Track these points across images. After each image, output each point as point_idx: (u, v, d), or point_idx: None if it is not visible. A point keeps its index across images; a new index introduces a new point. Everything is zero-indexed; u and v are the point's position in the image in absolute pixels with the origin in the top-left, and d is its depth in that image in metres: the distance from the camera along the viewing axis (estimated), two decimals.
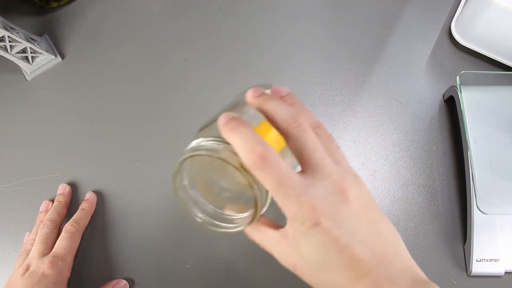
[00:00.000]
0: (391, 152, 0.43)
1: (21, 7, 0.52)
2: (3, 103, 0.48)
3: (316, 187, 0.20)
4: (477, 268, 0.36)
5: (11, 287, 0.34)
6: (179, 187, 0.24)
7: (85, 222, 0.40)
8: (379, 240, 0.21)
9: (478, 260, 0.37)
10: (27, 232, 0.41)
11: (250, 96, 0.23)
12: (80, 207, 0.41)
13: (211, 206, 0.25)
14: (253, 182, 0.21)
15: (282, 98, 0.24)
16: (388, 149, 0.43)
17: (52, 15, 0.52)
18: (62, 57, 0.49)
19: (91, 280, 0.39)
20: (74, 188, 0.43)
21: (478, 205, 0.34)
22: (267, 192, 0.22)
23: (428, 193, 0.41)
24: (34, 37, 0.48)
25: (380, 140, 0.43)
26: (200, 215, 0.25)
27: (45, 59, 0.48)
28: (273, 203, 0.22)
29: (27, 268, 0.35)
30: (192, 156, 0.21)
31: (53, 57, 0.48)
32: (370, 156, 0.43)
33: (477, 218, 0.37)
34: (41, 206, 0.42)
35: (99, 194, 0.42)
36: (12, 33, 0.43)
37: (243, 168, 0.21)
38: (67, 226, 0.38)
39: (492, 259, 0.36)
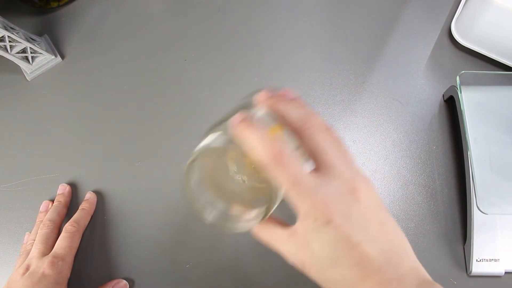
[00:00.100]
0: (391, 152, 0.43)
1: (21, 7, 0.52)
2: (3, 103, 0.48)
3: (329, 186, 0.21)
4: (477, 268, 0.36)
5: (11, 287, 0.34)
6: (189, 186, 0.24)
7: (85, 222, 0.40)
8: (387, 239, 0.21)
9: (478, 260, 0.37)
10: (27, 232, 0.41)
11: (263, 97, 0.24)
12: (80, 207, 0.41)
13: (220, 205, 0.25)
14: (266, 180, 0.21)
15: (291, 100, 0.24)
16: (388, 149, 0.43)
17: (52, 15, 0.52)
18: (62, 57, 0.49)
19: (91, 280, 0.39)
20: (74, 188, 0.43)
21: (478, 205, 0.34)
22: (278, 190, 0.22)
23: (428, 193, 0.41)
24: (34, 37, 0.48)
25: (380, 140, 0.43)
26: (209, 214, 0.25)
27: (45, 59, 0.48)
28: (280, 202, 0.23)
29: (27, 268, 0.35)
30: (204, 154, 0.22)
31: (53, 57, 0.48)
32: (370, 156, 0.43)
33: (477, 218, 0.37)
34: (41, 206, 0.42)
35: (99, 194, 0.42)
36: (12, 33, 0.43)
37: (256, 167, 0.21)
38: (67, 226, 0.38)
39: (492, 259, 0.36)
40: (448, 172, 0.41)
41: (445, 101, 0.44)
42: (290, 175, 0.20)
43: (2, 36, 0.43)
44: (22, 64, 0.47)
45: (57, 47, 0.50)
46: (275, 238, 0.24)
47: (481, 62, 0.45)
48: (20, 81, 0.48)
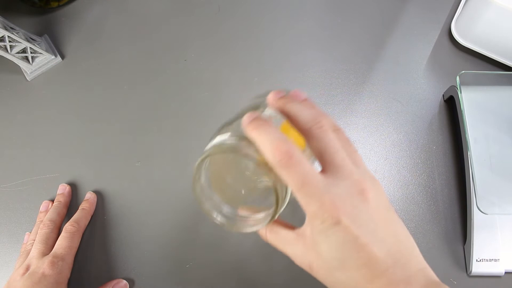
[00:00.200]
0: (391, 152, 0.43)
1: (21, 7, 0.52)
2: (3, 103, 0.48)
3: (337, 186, 0.21)
4: (477, 268, 0.36)
5: (11, 287, 0.34)
6: (198, 185, 0.24)
7: (85, 222, 0.40)
8: (395, 240, 0.21)
9: (478, 260, 0.37)
10: (27, 232, 0.41)
11: (272, 97, 0.24)
12: (80, 207, 0.41)
13: (228, 206, 0.25)
14: (275, 180, 0.21)
15: (302, 101, 0.24)
16: (388, 149, 0.43)
17: (52, 15, 0.52)
18: (62, 57, 0.49)
19: (91, 280, 0.39)
20: (74, 188, 0.43)
21: (478, 205, 0.34)
22: (287, 190, 0.22)
23: (428, 193, 0.41)
24: (34, 37, 0.48)
25: (380, 140, 0.43)
26: (217, 214, 0.25)
27: (45, 59, 0.48)
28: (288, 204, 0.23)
29: (27, 268, 0.35)
30: (214, 154, 0.22)
31: (53, 57, 0.48)
32: (370, 156, 0.43)
33: (477, 218, 0.37)
34: (41, 206, 0.42)
35: (99, 194, 0.42)
36: (12, 33, 0.43)
37: (266, 166, 0.21)
38: (67, 226, 0.38)
39: (492, 259, 0.36)
40: (448, 172, 0.41)
41: (445, 101, 0.44)
42: (299, 175, 0.20)
43: (2, 36, 0.43)
44: (22, 64, 0.47)
45: (57, 47, 0.50)
46: (283, 239, 0.24)
47: (481, 62, 0.45)
48: (20, 81, 0.48)
